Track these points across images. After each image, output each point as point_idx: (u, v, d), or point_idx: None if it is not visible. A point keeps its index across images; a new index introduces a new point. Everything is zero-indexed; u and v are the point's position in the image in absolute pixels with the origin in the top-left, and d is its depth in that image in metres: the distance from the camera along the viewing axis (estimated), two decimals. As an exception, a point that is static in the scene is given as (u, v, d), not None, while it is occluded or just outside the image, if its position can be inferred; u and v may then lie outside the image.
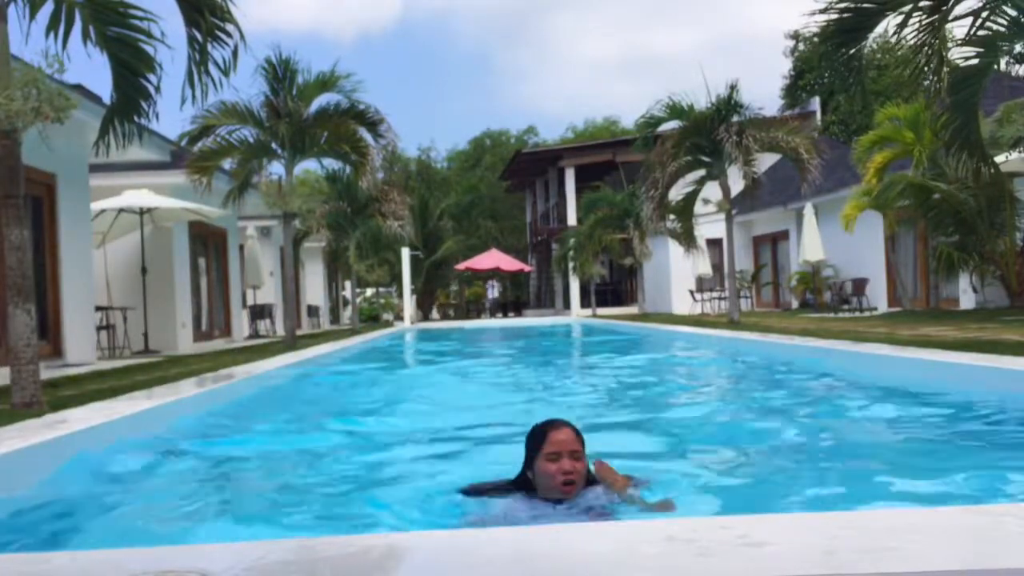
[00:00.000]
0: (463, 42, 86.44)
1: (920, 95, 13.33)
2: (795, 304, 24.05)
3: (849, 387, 7.04)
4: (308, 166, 20.27)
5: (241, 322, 19.53)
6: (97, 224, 13.25)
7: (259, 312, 21.94)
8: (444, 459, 4.79)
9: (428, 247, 35.07)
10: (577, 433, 3.21)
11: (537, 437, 3.21)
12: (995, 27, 8.76)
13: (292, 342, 14.02)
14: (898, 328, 11.37)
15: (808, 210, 20.41)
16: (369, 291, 39.89)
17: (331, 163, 18.98)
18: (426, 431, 5.76)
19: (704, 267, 24.48)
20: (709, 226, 21.68)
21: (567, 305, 31.76)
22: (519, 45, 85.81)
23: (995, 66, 9.45)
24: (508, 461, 3.50)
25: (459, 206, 41.96)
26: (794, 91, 41.80)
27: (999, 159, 12.14)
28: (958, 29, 9.22)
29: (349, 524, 3.48)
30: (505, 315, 36.08)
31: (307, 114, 14.89)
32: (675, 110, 16.52)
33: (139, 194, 13.55)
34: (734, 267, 17.00)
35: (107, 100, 7.17)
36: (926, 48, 8.91)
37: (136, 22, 6.48)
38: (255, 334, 20.95)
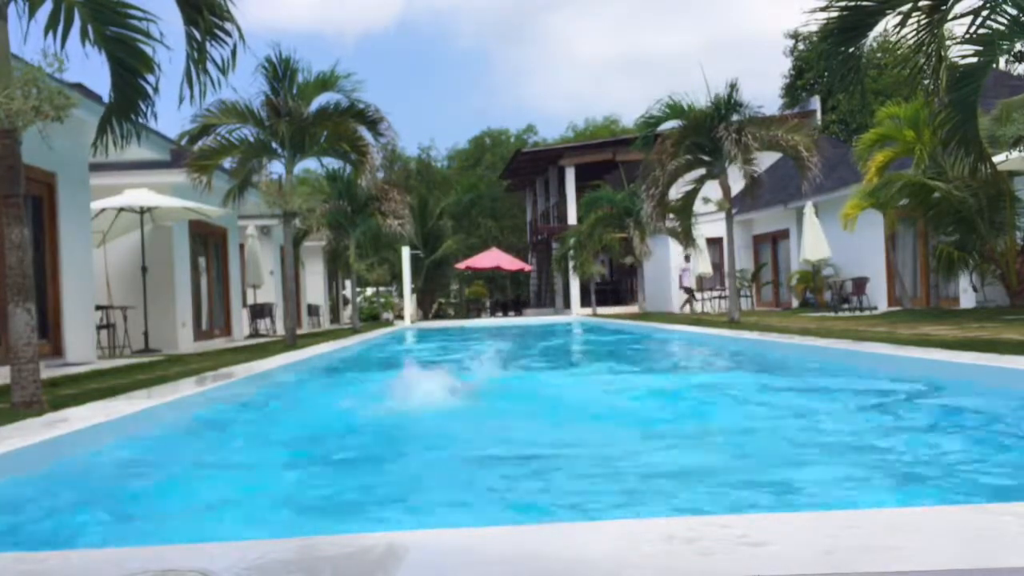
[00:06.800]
0: (463, 41, 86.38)
1: (919, 94, 13.35)
2: (795, 303, 24.04)
3: (847, 385, 7.03)
4: (308, 165, 20.29)
5: (241, 321, 19.52)
6: (97, 223, 13.25)
7: (259, 311, 21.93)
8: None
9: (428, 246, 35.07)
10: None
11: None
12: (995, 26, 8.76)
13: (292, 341, 14.03)
14: (898, 327, 11.37)
15: (808, 209, 20.40)
16: (369, 290, 39.87)
17: (331, 162, 19.01)
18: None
19: (704, 266, 24.49)
20: (709, 225, 21.68)
21: (567, 304, 31.77)
22: (519, 44, 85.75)
23: (994, 64, 9.44)
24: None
25: (459, 205, 41.91)
26: (794, 90, 41.84)
27: (999, 158, 12.12)
28: (958, 27, 9.23)
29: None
30: (505, 314, 36.10)
31: (307, 113, 14.88)
32: (675, 109, 16.50)
33: (139, 193, 13.54)
34: (734, 266, 17.00)
35: (107, 99, 7.17)
36: (925, 48, 8.91)
37: (135, 22, 6.47)
38: (255, 333, 20.94)
